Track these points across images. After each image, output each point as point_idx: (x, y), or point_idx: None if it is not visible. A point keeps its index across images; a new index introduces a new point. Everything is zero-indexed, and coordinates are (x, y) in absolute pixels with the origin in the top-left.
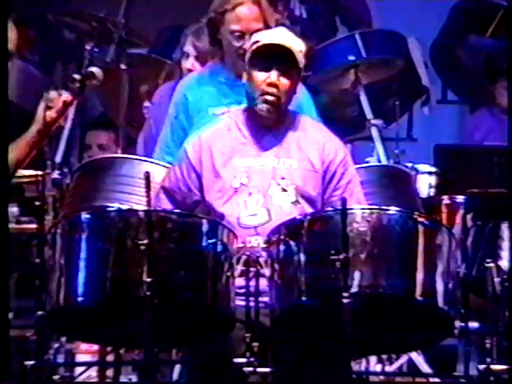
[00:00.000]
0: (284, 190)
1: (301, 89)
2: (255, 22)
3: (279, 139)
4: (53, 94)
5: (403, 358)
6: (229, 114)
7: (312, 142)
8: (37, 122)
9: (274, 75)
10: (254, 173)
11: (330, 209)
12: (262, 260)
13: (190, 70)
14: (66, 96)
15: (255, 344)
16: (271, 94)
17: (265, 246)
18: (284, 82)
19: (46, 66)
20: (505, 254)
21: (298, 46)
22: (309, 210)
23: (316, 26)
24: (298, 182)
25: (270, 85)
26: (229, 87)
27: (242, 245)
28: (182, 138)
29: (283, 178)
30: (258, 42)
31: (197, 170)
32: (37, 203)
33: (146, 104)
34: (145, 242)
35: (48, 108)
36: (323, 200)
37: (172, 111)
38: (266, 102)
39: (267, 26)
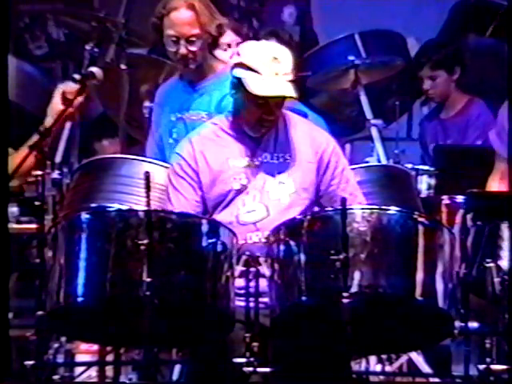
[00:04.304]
0: (282, 183)
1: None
2: (189, 27)
3: (270, 136)
4: (72, 85)
5: (403, 358)
6: (212, 121)
7: (302, 134)
8: (50, 116)
9: (268, 112)
10: (250, 172)
11: (330, 208)
12: (261, 260)
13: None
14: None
15: (255, 344)
16: (268, 126)
17: (266, 240)
18: (279, 110)
19: (46, 65)
20: (505, 253)
21: (289, 70)
22: (306, 200)
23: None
24: (294, 175)
25: (268, 120)
26: (182, 94)
27: (243, 241)
28: (157, 142)
29: (280, 173)
30: (251, 69)
31: (196, 171)
32: (37, 203)
33: (146, 104)
34: (145, 242)
35: (66, 101)
36: (320, 191)
37: (153, 118)
38: (262, 130)
39: (205, 31)
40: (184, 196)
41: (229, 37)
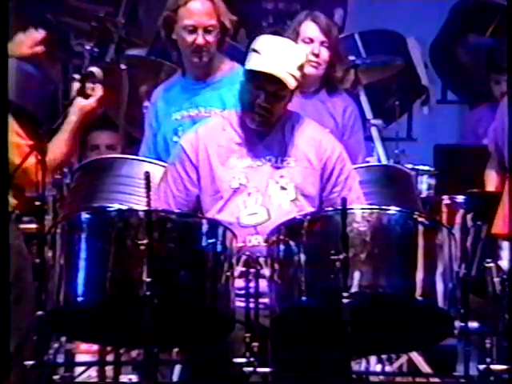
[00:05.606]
0: (283, 189)
1: None
2: (207, 17)
3: (276, 138)
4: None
5: (403, 358)
6: (221, 114)
7: (308, 139)
8: (72, 113)
9: (262, 98)
10: (252, 172)
11: (330, 208)
12: (261, 260)
13: None
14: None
15: (255, 344)
16: (261, 114)
17: (265, 244)
18: (274, 101)
19: (46, 65)
20: (504, 253)
21: (293, 64)
22: (308, 207)
23: None
24: (297, 180)
25: (260, 106)
26: (187, 92)
27: (242, 244)
28: (154, 144)
29: (282, 177)
30: (255, 51)
31: (196, 166)
32: (37, 203)
33: (146, 104)
34: (144, 241)
35: (86, 95)
36: (322, 197)
37: (147, 119)
38: (255, 118)
39: (220, 23)
40: (173, 193)
41: (313, 32)
